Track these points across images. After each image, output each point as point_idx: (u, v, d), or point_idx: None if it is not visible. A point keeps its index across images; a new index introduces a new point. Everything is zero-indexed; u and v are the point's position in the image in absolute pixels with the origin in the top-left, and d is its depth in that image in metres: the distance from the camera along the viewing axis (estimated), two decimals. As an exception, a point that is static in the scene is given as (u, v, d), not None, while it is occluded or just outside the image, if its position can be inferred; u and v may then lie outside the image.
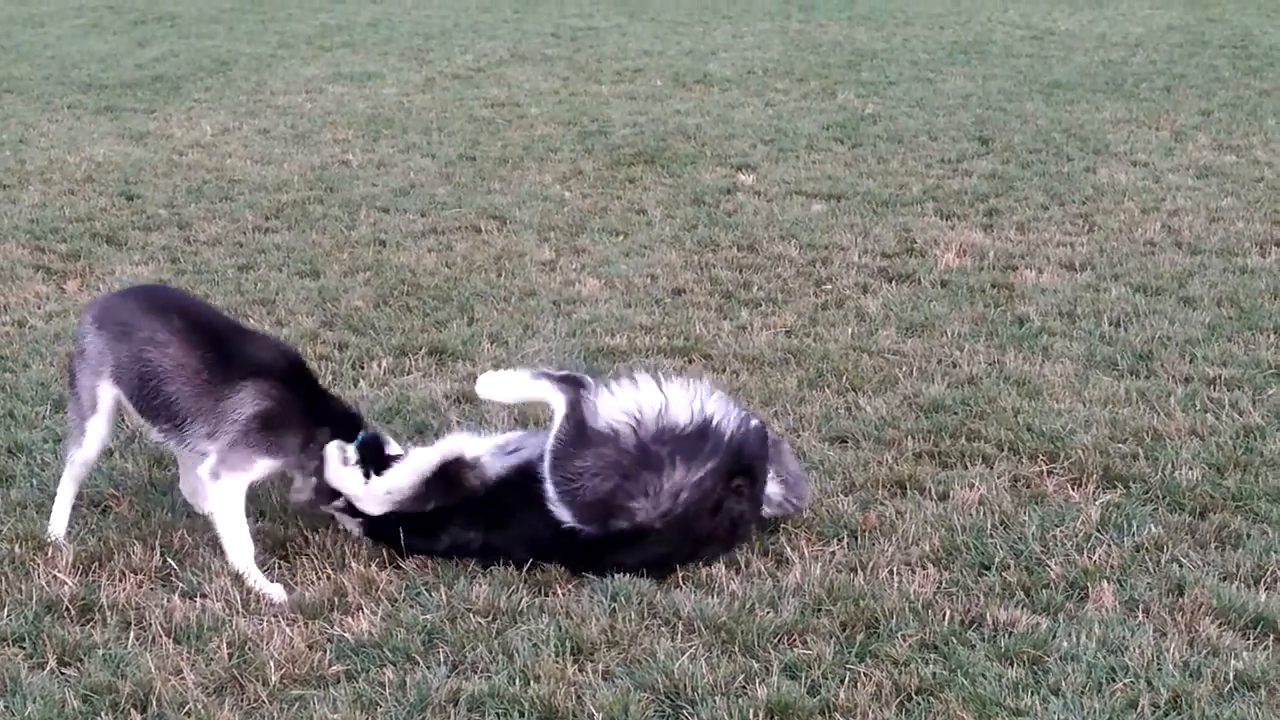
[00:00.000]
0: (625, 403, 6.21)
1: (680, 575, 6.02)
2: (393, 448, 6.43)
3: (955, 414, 7.68)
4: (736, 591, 5.89)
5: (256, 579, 6.07)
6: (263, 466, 6.29)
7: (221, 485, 6.20)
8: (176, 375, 6.27)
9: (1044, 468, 7.03)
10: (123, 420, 6.73)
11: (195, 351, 6.28)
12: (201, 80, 19.02)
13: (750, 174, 13.47)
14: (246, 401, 6.22)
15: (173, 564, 6.13)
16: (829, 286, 10.05)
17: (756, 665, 5.39)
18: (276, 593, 5.98)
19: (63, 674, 5.38)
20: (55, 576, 5.99)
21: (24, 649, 5.53)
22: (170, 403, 6.26)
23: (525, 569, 6.09)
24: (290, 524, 6.51)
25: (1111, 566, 6.07)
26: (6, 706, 5.12)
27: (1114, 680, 5.27)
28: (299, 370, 6.51)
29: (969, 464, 7.11)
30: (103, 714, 5.08)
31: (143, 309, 6.49)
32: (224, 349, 6.35)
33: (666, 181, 13.25)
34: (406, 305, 9.66)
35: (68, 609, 5.77)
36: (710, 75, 18.86)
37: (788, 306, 9.61)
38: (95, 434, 6.42)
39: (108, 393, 6.38)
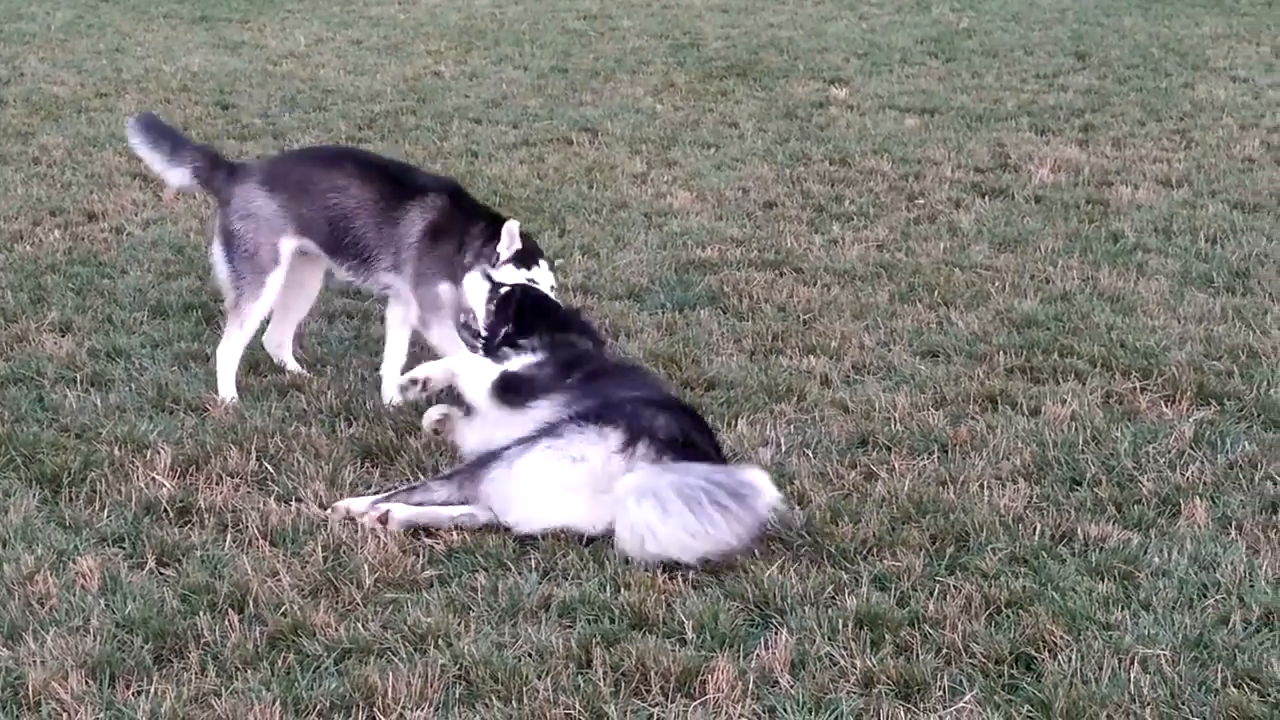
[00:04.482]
0: None
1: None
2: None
3: (1048, 329, 7.63)
4: (822, 504, 5.89)
5: None
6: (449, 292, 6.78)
7: (436, 332, 6.82)
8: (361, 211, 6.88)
9: (1137, 384, 6.97)
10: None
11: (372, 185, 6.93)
12: (294, -9, 19.07)
13: (843, 88, 13.36)
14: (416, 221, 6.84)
15: (269, 468, 6.20)
16: (921, 201, 9.98)
17: (846, 576, 5.39)
18: None
19: (161, 574, 5.46)
20: (154, 479, 6.06)
21: (124, 549, 5.61)
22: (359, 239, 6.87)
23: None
24: (383, 431, 6.56)
25: (1204, 484, 6.03)
26: (108, 605, 5.20)
27: (1205, 596, 5.24)
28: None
29: (1061, 380, 7.07)
30: (201, 613, 5.14)
31: (311, 162, 7.24)
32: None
33: (758, 95, 13.17)
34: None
35: (166, 511, 5.84)
36: (803, -12, 18.66)
37: (880, 221, 9.56)
38: (274, 286, 6.86)
39: (289, 245, 6.85)
